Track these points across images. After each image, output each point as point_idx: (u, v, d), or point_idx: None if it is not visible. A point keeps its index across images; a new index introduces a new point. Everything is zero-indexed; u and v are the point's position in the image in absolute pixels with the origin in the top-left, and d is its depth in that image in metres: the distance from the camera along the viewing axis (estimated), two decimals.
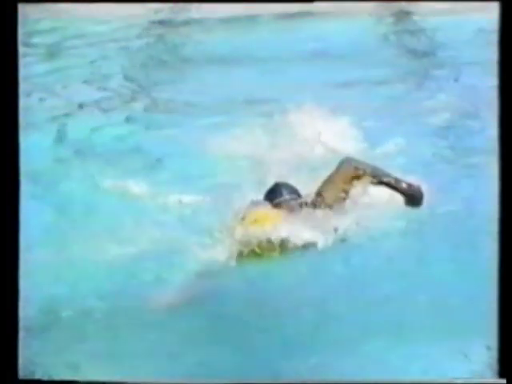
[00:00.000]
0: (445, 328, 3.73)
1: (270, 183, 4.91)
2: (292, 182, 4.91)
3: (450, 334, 3.68)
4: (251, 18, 10.50)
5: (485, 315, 3.63)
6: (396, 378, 3.49)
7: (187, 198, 5.40)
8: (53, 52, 9.78)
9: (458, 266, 4.14)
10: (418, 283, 4.09)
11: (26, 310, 3.46)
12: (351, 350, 3.72)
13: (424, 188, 4.85)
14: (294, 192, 4.71)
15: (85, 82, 8.75)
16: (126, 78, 9.04)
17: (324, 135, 6.54)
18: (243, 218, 4.51)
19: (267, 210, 4.58)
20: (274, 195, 4.68)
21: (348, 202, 4.69)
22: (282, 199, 4.64)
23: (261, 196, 4.82)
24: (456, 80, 8.14)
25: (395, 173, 4.96)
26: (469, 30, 8.79)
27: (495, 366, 3.42)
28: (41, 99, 7.80)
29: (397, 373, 3.53)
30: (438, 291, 3.99)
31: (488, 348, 3.47)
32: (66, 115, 7.65)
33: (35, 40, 9.58)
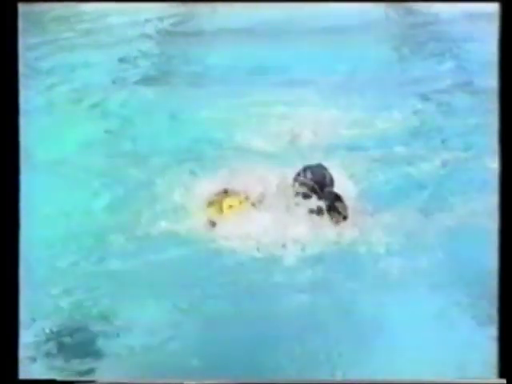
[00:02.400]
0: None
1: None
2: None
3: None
4: None
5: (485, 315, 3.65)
6: (396, 378, 3.49)
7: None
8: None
9: None
10: None
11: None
12: None
13: None
14: (318, 178, 4.82)
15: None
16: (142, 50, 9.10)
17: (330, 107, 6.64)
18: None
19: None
20: (298, 174, 4.85)
21: None
22: (297, 177, 4.82)
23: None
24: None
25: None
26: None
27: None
28: None
29: None
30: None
31: None
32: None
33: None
